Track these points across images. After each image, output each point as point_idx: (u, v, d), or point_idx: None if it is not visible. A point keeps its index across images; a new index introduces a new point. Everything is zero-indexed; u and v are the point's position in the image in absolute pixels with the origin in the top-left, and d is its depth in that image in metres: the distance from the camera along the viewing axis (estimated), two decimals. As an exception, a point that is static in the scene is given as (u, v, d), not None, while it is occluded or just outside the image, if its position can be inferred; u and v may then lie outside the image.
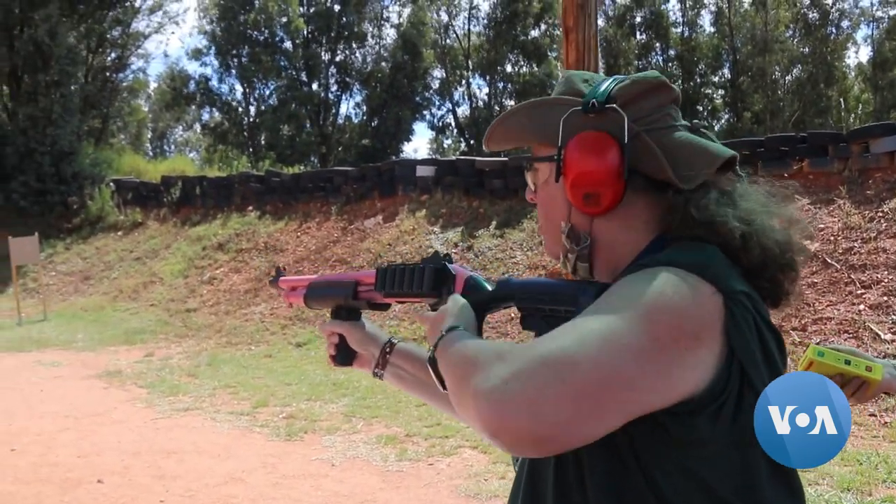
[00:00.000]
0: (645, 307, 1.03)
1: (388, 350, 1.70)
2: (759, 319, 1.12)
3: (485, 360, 1.04)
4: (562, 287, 1.25)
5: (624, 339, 1.00)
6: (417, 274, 1.49)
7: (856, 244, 8.18)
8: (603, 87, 1.25)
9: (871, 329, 7.06)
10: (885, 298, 7.36)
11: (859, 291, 7.60)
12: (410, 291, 1.50)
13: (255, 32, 32.25)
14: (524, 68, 35.04)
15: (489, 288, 1.39)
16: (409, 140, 39.02)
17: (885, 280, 7.57)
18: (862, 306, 7.40)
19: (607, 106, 1.22)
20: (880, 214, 8.35)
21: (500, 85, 35.55)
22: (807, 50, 28.59)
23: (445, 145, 37.66)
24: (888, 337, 6.90)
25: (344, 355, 1.75)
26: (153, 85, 38.71)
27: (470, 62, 35.39)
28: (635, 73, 1.29)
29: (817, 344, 1.92)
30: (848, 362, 1.80)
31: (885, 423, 5.91)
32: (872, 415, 6.05)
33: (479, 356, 1.07)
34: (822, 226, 8.60)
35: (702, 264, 1.10)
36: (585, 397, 0.96)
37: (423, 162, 14.28)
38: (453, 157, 14.55)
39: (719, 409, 1.05)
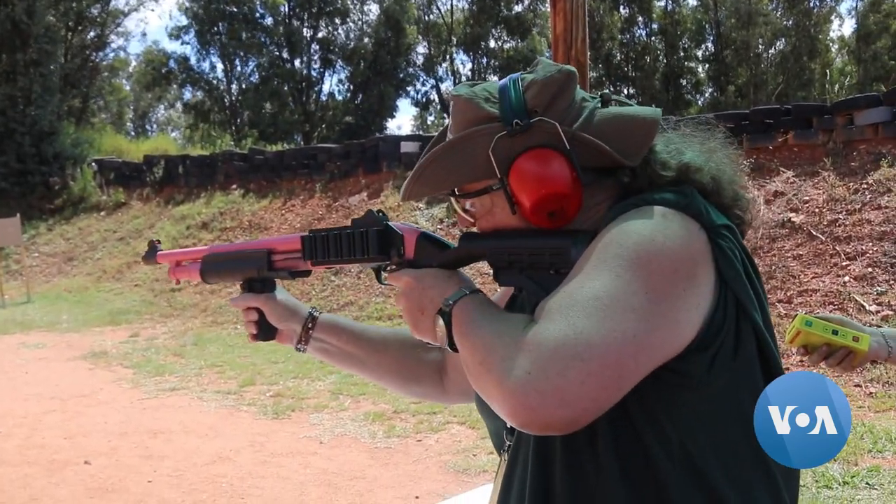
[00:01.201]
0: (639, 260, 1.03)
1: (310, 325, 1.61)
2: (741, 251, 1.13)
3: (504, 349, 1.02)
4: (545, 241, 1.19)
5: (628, 301, 1.00)
6: (359, 238, 1.38)
7: (840, 216, 8.20)
8: (514, 102, 1.18)
9: (857, 300, 7.10)
10: (870, 270, 7.39)
11: (844, 263, 7.63)
12: (351, 258, 1.40)
13: (235, 9, 31.91)
14: (508, 44, 34.92)
15: (448, 244, 1.33)
16: (392, 117, 38.86)
17: (870, 251, 7.59)
18: (847, 278, 7.43)
19: (533, 121, 1.16)
20: (865, 186, 8.37)
21: (484, 60, 35.42)
22: (790, 23, 28.57)
23: (429, 121, 37.53)
24: (873, 308, 6.93)
25: (265, 330, 1.62)
26: (133, 64, 38.38)
27: (453, 38, 35.23)
28: (532, 71, 1.23)
29: (805, 314, 1.92)
30: (836, 332, 1.81)
31: (871, 393, 5.95)
32: (857, 385, 6.09)
33: (496, 343, 1.05)
34: (806, 198, 8.63)
35: (680, 200, 1.11)
36: (606, 371, 0.97)
37: (408, 138, 14.23)
38: (437, 134, 14.46)
39: (721, 344, 1.06)
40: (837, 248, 7.84)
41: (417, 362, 1.60)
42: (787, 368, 6.49)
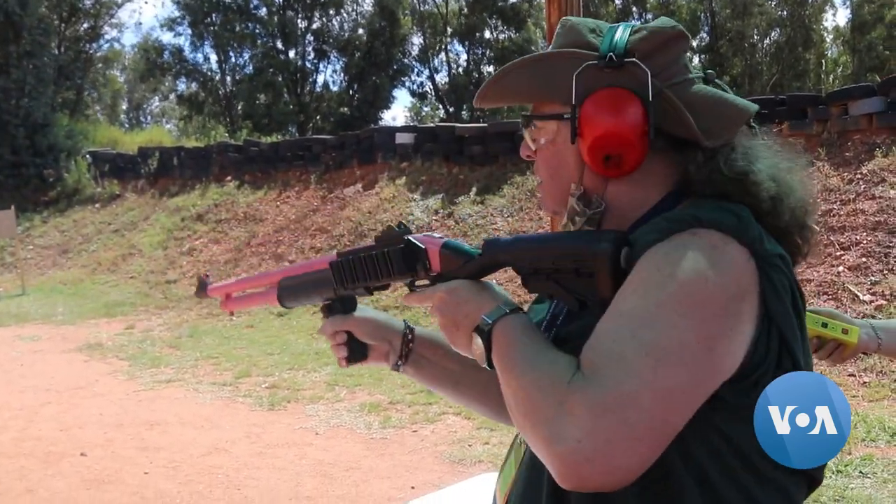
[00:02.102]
0: (693, 304, 1.00)
1: (409, 337, 1.50)
2: (791, 283, 1.09)
3: (548, 407, 1.00)
4: (565, 244, 1.16)
5: (676, 355, 0.98)
6: (381, 259, 1.35)
7: (835, 206, 8.21)
8: (618, 39, 1.16)
9: (851, 290, 7.11)
10: (864, 260, 7.40)
11: (838, 253, 7.64)
12: (379, 279, 1.37)
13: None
14: (503, 34, 34.82)
15: (472, 251, 1.27)
16: (388, 108, 38.78)
17: (864, 241, 7.61)
18: (841, 268, 7.45)
19: (627, 60, 1.14)
20: (859, 176, 8.39)
21: (479, 51, 35.32)
22: (785, 13, 28.54)
23: (424, 112, 37.46)
24: (867, 298, 6.95)
25: (357, 352, 1.53)
26: (128, 55, 38.22)
27: (448, 28, 35.13)
28: (649, 23, 1.21)
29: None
30: (825, 325, 1.81)
31: (864, 382, 5.97)
32: (851, 374, 6.10)
33: (540, 393, 1.02)
34: (801, 188, 8.63)
35: (734, 225, 1.06)
36: (652, 432, 0.97)
37: (403, 129, 14.19)
38: (433, 124, 14.47)
39: (761, 376, 1.04)
40: (832, 238, 7.86)
41: None
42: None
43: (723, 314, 1.01)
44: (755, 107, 1.18)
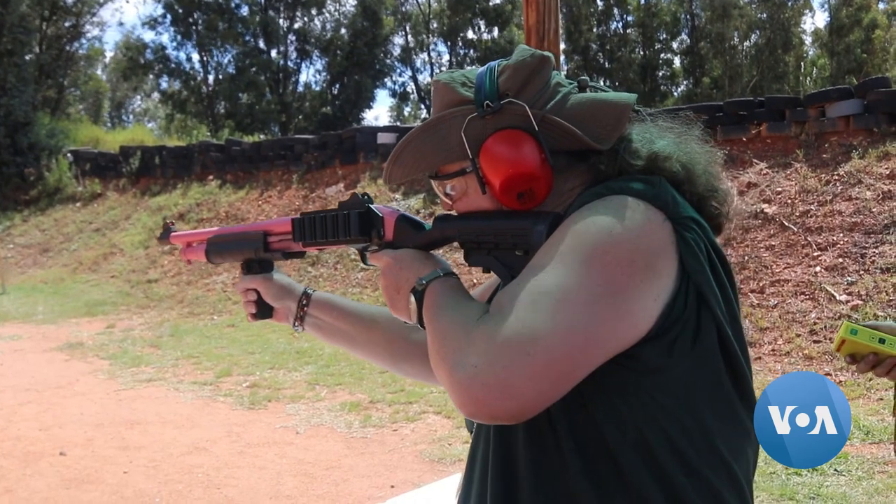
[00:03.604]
0: (594, 252, 1.04)
1: (304, 302, 1.66)
2: (709, 245, 1.13)
3: (456, 341, 1.06)
4: (508, 222, 1.22)
5: (578, 296, 1.02)
6: (342, 220, 1.44)
7: (812, 207, 8.29)
8: (487, 85, 1.21)
9: (827, 290, 7.19)
10: (841, 260, 7.48)
11: (815, 254, 7.72)
12: (336, 239, 1.46)
13: (211, -1, 31.71)
14: (486, 34, 34.88)
15: (425, 225, 1.37)
16: (370, 107, 38.73)
17: (841, 242, 7.69)
18: (818, 268, 7.53)
19: (503, 102, 1.19)
20: (836, 177, 8.47)
21: (462, 52, 35.36)
22: (765, 16, 28.73)
23: (406, 112, 37.48)
24: (843, 298, 7.03)
25: (262, 310, 1.70)
26: (109, 54, 38.03)
27: (431, 28, 35.15)
28: (509, 58, 1.25)
29: (852, 321, 1.79)
30: (882, 341, 1.70)
31: (840, 381, 6.03)
32: (827, 374, 6.17)
33: (451, 333, 1.09)
34: (779, 189, 8.72)
35: (647, 190, 1.11)
36: (553, 366, 1.00)
37: (385, 129, 14.21)
38: (414, 124, 14.47)
39: (679, 334, 1.07)
40: (809, 238, 7.94)
41: (406, 341, 1.59)
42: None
43: (628, 264, 1.05)
44: (633, 96, 1.22)
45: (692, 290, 1.08)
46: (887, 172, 8.18)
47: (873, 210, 7.85)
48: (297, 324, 1.67)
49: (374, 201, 1.45)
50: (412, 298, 1.25)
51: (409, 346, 1.60)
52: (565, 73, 1.29)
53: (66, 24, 28.35)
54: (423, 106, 35.73)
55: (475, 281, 8.57)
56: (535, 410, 1.02)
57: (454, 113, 1.24)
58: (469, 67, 1.32)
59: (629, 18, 32.32)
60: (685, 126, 1.26)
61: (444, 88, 1.27)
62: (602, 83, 1.28)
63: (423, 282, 1.23)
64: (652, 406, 1.08)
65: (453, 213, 1.33)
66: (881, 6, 27.09)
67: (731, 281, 1.17)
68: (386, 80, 35.75)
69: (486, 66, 1.26)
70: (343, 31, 34.08)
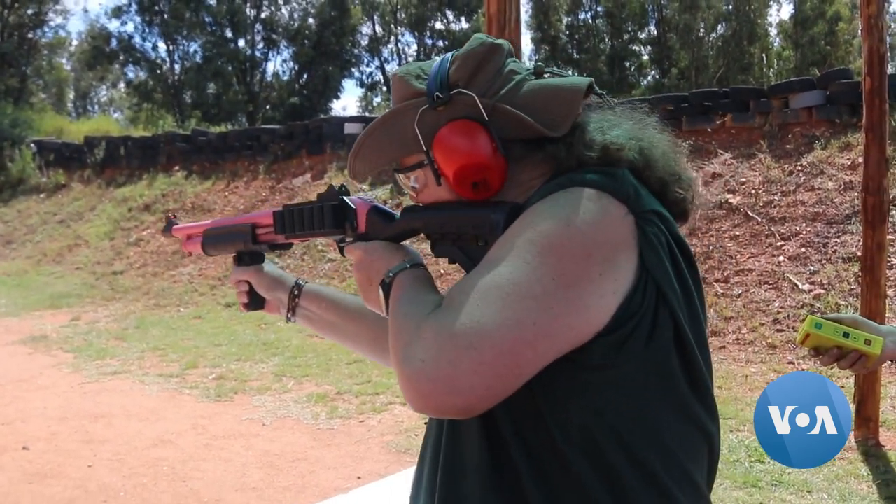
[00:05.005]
0: (549, 245, 1.03)
1: (295, 293, 1.67)
2: (671, 238, 1.12)
3: (407, 334, 1.06)
4: (467, 212, 1.22)
5: (531, 289, 1.01)
6: (317, 212, 1.46)
7: (776, 197, 8.38)
8: (437, 76, 1.22)
9: (790, 279, 7.27)
10: (803, 250, 7.57)
11: (779, 243, 7.81)
12: (312, 231, 1.48)
13: (178, -13, 31.38)
14: (454, 24, 34.84)
15: (394, 215, 1.38)
16: (337, 98, 38.62)
17: (803, 232, 7.78)
18: (781, 258, 7.61)
19: (452, 93, 1.19)
20: (799, 168, 8.57)
21: (430, 41, 35.31)
22: (731, 7, 28.89)
23: (375, 103, 37.35)
24: (806, 287, 7.11)
25: (255, 301, 1.74)
26: (74, 43, 37.53)
27: (399, 17, 35.04)
28: (461, 49, 1.25)
29: (815, 313, 1.85)
30: (846, 335, 1.70)
31: (804, 370, 6.11)
32: (791, 363, 6.24)
33: (403, 326, 1.09)
34: (743, 179, 8.80)
35: (608, 183, 1.10)
36: (499, 360, 0.98)
37: (352, 119, 14.20)
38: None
39: (634, 329, 1.06)
40: (773, 228, 8.02)
41: None
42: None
43: (584, 258, 1.04)
44: (587, 80, 1.21)
45: (651, 285, 1.07)
46: (849, 163, 8.28)
47: (835, 200, 7.95)
48: (289, 315, 1.69)
49: (348, 192, 1.45)
50: (381, 291, 1.26)
51: None
52: (532, 62, 1.28)
53: (29, 12, 27.99)
54: (390, 96, 35.64)
55: (442, 272, 8.58)
56: (483, 406, 1.01)
57: (408, 106, 1.24)
58: (428, 60, 1.31)
59: (598, 9, 32.41)
60: (641, 114, 1.25)
61: (399, 82, 1.28)
62: (571, 73, 1.27)
63: (391, 274, 1.24)
64: (600, 403, 1.07)
65: (420, 204, 1.32)
66: (845, -2, 27.36)
67: (695, 275, 1.16)
68: (354, 70, 35.64)
69: (440, 58, 1.26)
70: (311, 20, 33.92)
